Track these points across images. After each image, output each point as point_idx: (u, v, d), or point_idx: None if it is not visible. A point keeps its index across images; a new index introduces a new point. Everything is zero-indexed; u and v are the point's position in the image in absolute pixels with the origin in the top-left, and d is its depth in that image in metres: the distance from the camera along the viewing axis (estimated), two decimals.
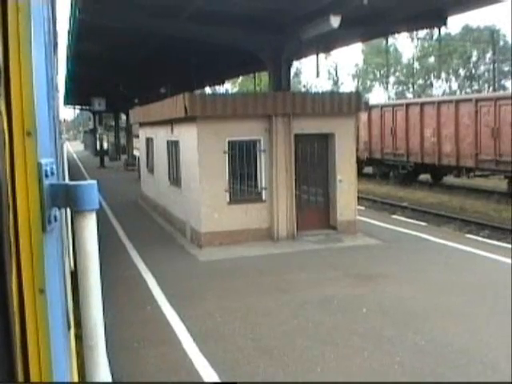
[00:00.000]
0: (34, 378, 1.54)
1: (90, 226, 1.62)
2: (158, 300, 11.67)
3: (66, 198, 1.62)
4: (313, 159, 17.76)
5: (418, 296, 11.46)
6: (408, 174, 34.29)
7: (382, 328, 9.76)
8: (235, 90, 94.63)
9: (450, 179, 33.46)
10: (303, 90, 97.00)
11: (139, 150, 30.42)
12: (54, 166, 1.77)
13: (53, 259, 1.74)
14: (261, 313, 10.82)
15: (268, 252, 15.65)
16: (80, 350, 2.12)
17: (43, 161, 1.60)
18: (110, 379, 1.70)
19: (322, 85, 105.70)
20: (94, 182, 1.64)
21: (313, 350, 8.96)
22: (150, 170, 24.84)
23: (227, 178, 16.64)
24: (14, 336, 1.49)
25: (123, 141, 58.51)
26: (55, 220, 1.72)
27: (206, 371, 8.25)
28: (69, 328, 2.59)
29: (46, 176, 1.61)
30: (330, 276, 13.07)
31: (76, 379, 2.84)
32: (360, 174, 24.25)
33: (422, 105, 33.25)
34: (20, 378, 1.51)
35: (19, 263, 1.50)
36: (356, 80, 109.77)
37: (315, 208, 17.86)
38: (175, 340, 9.55)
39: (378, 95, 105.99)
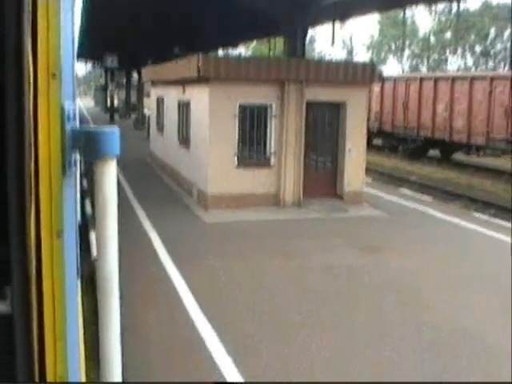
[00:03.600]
0: (47, 320, 1.56)
1: (110, 172, 1.62)
2: (162, 259, 11.73)
3: (87, 142, 1.62)
4: (323, 127, 17.71)
5: (418, 268, 11.51)
6: (417, 149, 34.13)
7: (380, 294, 9.82)
8: (248, 54, 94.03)
9: (459, 156, 33.31)
10: (317, 57, 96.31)
11: (150, 108, 30.34)
12: (76, 111, 1.78)
13: (70, 203, 1.75)
14: (262, 277, 10.88)
15: (273, 217, 15.68)
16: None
17: (66, 104, 1.62)
18: (119, 328, 1.71)
19: (336, 54, 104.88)
20: (116, 128, 1.64)
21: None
22: (160, 129, 24.80)
23: (236, 141, 16.60)
24: (30, 277, 1.51)
25: (134, 99, 58.34)
26: (75, 164, 1.74)
27: (205, 328, 8.32)
28: (78, 276, 2.61)
29: (68, 120, 1.63)
30: (334, 245, 13.09)
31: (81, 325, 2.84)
32: (369, 146, 24.10)
33: (437, 80, 32.98)
34: (35, 326, 1.53)
35: (38, 205, 1.52)
36: (370, 51, 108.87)
37: (323, 176, 17.84)
38: (177, 298, 9.62)
39: (391, 68, 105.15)
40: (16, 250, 1.48)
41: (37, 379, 1.55)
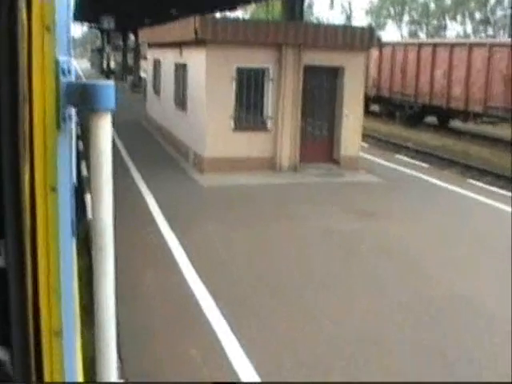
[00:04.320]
0: (41, 276, 1.57)
1: (105, 126, 1.61)
2: (158, 223, 11.76)
3: (82, 96, 1.60)
4: (321, 92, 17.64)
5: (412, 234, 11.58)
6: (414, 115, 34.05)
7: (374, 256, 9.90)
8: (246, 17, 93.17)
9: (456, 123, 33.26)
10: (315, 22, 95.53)
11: (146, 71, 30.14)
12: (71, 65, 1.76)
13: (65, 159, 1.75)
14: (258, 240, 10.94)
15: (269, 182, 15.70)
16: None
17: (61, 58, 1.60)
18: (113, 285, 1.72)
19: (335, 18, 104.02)
20: (112, 82, 1.63)
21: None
22: (157, 91, 24.67)
23: (233, 104, 16.55)
24: (24, 231, 1.51)
25: (130, 61, 57.92)
26: (69, 119, 1.74)
27: (201, 292, 8.39)
28: (73, 234, 2.62)
29: (63, 74, 1.61)
30: (330, 210, 13.14)
31: (76, 284, 2.86)
32: (366, 112, 24.05)
33: (435, 46, 32.77)
34: (29, 281, 1.53)
35: (32, 160, 1.51)
36: (369, 16, 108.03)
37: (319, 141, 17.83)
38: (173, 262, 9.68)
39: (390, 33, 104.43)
40: (10, 205, 1.48)
41: (31, 331, 1.55)
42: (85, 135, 11.78)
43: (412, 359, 6.80)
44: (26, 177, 1.48)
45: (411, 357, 6.85)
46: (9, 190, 1.48)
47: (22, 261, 1.51)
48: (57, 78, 1.56)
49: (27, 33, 1.44)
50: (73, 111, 1.80)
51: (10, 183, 1.48)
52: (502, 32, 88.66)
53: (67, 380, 1.69)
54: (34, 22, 1.46)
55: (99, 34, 62.71)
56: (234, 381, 6.22)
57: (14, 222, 1.49)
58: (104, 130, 1.61)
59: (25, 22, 1.43)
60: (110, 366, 1.73)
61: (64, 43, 1.75)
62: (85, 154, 15.71)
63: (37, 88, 1.49)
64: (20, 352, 1.56)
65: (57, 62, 1.56)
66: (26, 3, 1.42)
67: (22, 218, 1.49)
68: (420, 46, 34.14)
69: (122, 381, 5.75)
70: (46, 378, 1.61)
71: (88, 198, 12.69)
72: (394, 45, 36.64)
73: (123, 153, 18.82)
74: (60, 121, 1.60)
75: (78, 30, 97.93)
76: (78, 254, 2.78)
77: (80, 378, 2.11)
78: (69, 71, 1.67)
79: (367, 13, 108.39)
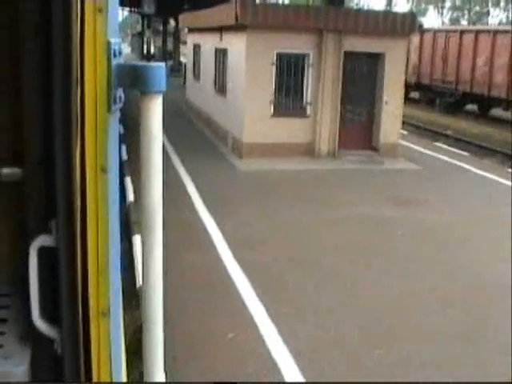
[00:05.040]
0: (91, 253, 1.60)
1: (156, 108, 1.61)
2: (196, 205, 11.86)
3: (133, 78, 1.61)
4: (361, 78, 17.53)
5: (452, 223, 11.51)
6: (455, 103, 33.55)
7: (412, 244, 9.90)
8: (287, 1, 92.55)
9: (497, 112, 32.74)
10: (355, 7, 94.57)
11: (186, 56, 30.17)
12: (121, 47, 1.77)
13: (114, 140, 1.75)
14: (295, 224, 10.99)
15: (308, 167, 15.70)
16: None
17: (112, 40, 1.61)
18: (161, 243, 1.73)
19: (375, 4, 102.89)
20: (163, 64, 1.62)
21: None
22: (196, 76, 24.72)
23: (273, 90, 16.54)
24: (75, 212, 1.54)
25: (170, 46, 57.98)
26: (120, 101, 1.73)
27: (236, 272, 8.48)
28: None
29: (115, 56, 1.61)
30: (369, 197, 13.10)
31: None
32: (406, 98, 23.78)
33: (477, 33, 32.20)
34: (78, 245, 1.57)
35: (83, 140, 1.53)
36: (410, 2, 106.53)
37: (358, 128, 17.73)
38: (209, 242, 9.78)
39: (431, 20, 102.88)
40: (61, 185, 1.51)
41: (80, 311, 1.58)
42: (126, 118, 11.84)
43: None
44: (77, 157, 1.50)
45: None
46: (60, 170, 1.51)
47: (72, 241, 1.54)
48: (108, 60, 1.57)
49: (80, 14, 1.46)
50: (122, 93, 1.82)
51: (61, 163, 1.50)
52: None
53: (113, 364, 1.71)
54: (87, 3, 1.48)
55: (139, 19, 62.89)
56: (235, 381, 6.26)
57: (65, 202, 1.52)
58: (155, 113, 1.62)
59: (78, 3, 1.45)
60: (157, 364, 1.73)
61: (115, 25, 1.76)
62: (125, 138, 15.86)
63: (89, 70, 1.51)
64: (69, 331, 1.59)
65: (108, 44, 1.57)
66: None
67: (73, 198, 1.52)
68: (461, 32, 33.58)
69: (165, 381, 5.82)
70: (94, 361, 1.64)
71: (128, 181, 12.85)
72: (435, 31, 36.13)
73: (163, 137, 18.90)
74: (111, 103, 1.61)
75: (119, 14, 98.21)
76: None
77: (124, 365, 2.12)
78: (120, 53, 1.66)
79: None
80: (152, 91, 1.59)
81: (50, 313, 1.62)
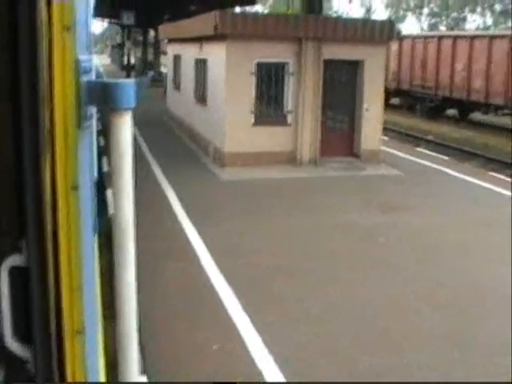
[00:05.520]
0: (63, 273, 1.58)
1: (125, 125, 1.62)
2: (178, 215, 11.84)
3: (103, 95, 1.61)
4: (341, 86, 17.61)
5: (435, 227, 11.56)
6: (435, 108, 33.82)
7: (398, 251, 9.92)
8: (266, 11, 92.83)
9: (477, 116, 33.01)
10: (334, 15, 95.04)
11: (166, 66, 30.16)
12: (91, 64, 1.76)
13: (86, 157, 1.76)
14: (279, 231, 10.98)
15: (290, 175, 15.71)
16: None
17: (81, 57, 1.61)
18: (135, 282, 1.73)
19: (354, 12, 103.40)
20: (132, 80, 1.63)
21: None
22: (177, 87, 24.72)
23: (253, 99, 16.56)
24: (45, 230, 1.53)
25: (151, 57, 57.97)
26: (90, 118, 1.74)
27: (220, 283, 8.46)
28: (94, 231, 2.63)
29: (84, 73, 1.61)
30: (351, 203, 13.13)
31: (98, 280, 2.89)
32: (387, 105, 23.93)
33: (455, 38, 32.50)
34: (51, 277, 1.55)
35: (53, 159, 1.51)
36: (389, 9, 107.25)
37: (340, 135, 17.80)
38: (193, 254, 9.75)
39: (410, 26, 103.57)
40: (31, 204, 1.49)
41: (53, 330, 1.56)
42: (106, 131, 11.79)
43: None
44: (48, 175, 1.49)
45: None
46: (30, 189, 1.49)
47: (43, 260, 1.52)
48: (77, 77, 1.57)
49: (47, 32, 1.45)
50: (94, 108, 1.82)
51: (31, 182, 1.48)
52: None
53: (89, 380, 1.69)
54: (54, 21, 1.47)
55: (119, 30, 62.75)
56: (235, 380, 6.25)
57: (35, 221, 1.50)
58: (124, 129, 1.62)
59: (45, 21, 1.43)
60: (132, 364, 1.75)
61: (84, 42, 1.74)
62: (106, 150, 15.80)
63: (57, 87, 1.50)
64: (42, 351, 1.57)
65: (77, 61, 1.57)
66: (45, 3, 1.43)
67: (44, 217, 1.50)
68: (440, 38, 33.88)
69: (144, 380, 5.78)
70: (69, 378, 1.61)
71: (109, 193, 12.80)
72: (413, 38, 36.45)
73: (144, 147, 18.89)
74: (81, 119, 1.61)
75: (99, 25, 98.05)
76: (101, 249, 2.80)
77: (103, 378, 2.09)
78: (89, 70, 1.68)
79: (387, 6, 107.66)
80: (121, 108, 1.60)
81: (23, 333, 1.60)
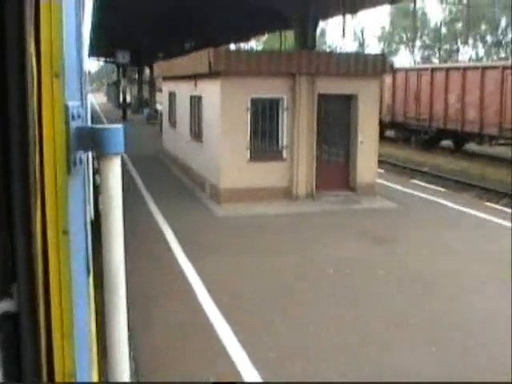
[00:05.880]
0: (55, 319, 1.58)
1: (114, 170, 1.64)
2: (174, 252, 11.82)
3: (91, 140, 1.63)
4: (335, 120, 17.73)
5: (432, 260, 11.53)
6: (430, 140, 34.01)
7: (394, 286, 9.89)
8: (260, 47, 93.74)
9: (472, 146, 33.16)
10: (328, 50, 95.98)
11: (162, 104, 30.36)
12: (81, 109, 1.79)
13: (77, 202, 1.77)
14: (275, 268, 10.95)
15: (287, 211, 15.72)
16: (98, 296, 2.18)
17: (70, 103, 1.62)
18: (126, 324, 1.74)
19: (348, 46, 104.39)
20: (120, 125, 1.64)
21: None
22: (172, 124, 24.85)
23: (248, 135, 16.64)
24: (37, 276, 1.53)
25: (146, 94, 58.40)
26: (80, 163, 1.75)
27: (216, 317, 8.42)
28: (89, 273, 2.62)
29: (73, 118, 1.63)
30: (348, 237, 13.13)
31: (93, 323, 2.88)
32: (382, 137, 24.07)
33: (448, 70, 32.81)
34: (42, 326, 1.55)
35: (44, 204, 1.51)
36: (382, 42, 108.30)
37: (335, 168, 17.85)
38: (189, 290, 9.71)
39: (403, 59, 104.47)
40: (22, 248, 1.48)
41: (45, 379, 1.54)
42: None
43: None
44: (38, 220, 1.48)
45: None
46: (20, 234, 1.48)
47: (34, 305, 1.50)
48: (66, 124, 1.58)
49: (37, 79, 1.46)
50: (84, 152, 1.84)
51: (21, 227, 1.48)
52: None
53: None
54: (43, 68, 1.48)
55: (115, 68, 63.30)
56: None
57: (25, 266, 1.49)
58: (114, 173, 1.64)
59: (34, 68, 1.44)
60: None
61: (73, 88, 1.77)
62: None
63: (47, 134, 1.51)
64: None
65: (66, 108, 1.58)
66: (35, 50, 1.45)
67: (34, 262, 1.49)
68: (433, 70, 34.20)
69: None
70: None
71: None
72: (406, 70, 36.77)
73: (140, 185, 18.95)
74: (70, 165, 1.62)
75: (95, 64, 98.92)
76: (97, 290, 2.80)
77: None
78: (79, 116, 1.69)
79: (380, 39, 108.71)
80: (110, 153, 1.62)
81: (14, 380, 1.59)
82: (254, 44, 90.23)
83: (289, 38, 40.98)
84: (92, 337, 1.95)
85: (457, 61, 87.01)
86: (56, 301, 1.58)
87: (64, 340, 1.60)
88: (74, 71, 1.80)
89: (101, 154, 1.62)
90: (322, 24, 77.47)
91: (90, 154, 1.81)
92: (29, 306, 1.53)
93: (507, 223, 14.42)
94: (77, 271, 1.68)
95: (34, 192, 1.49)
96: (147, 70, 55.72)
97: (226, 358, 7.38)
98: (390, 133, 38.00)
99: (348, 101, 17.52)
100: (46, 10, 1.51)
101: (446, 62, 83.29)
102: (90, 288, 2.92)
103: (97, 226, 1.73)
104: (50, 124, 1.53)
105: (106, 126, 1.62)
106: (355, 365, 7.25)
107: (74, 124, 1.63)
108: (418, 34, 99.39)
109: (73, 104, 1.65)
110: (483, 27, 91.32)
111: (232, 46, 49.53)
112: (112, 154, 1.63)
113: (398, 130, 37.62)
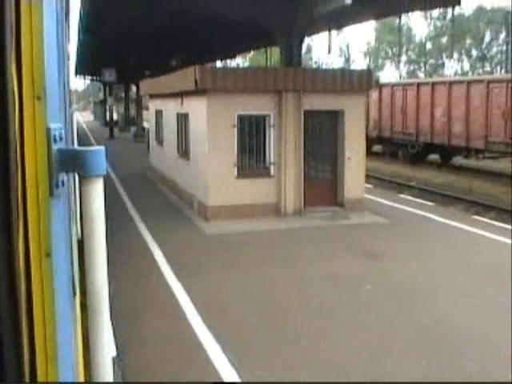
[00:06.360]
0: (38, 340, 1.56)
1: (96, 192, 1.64)
2: (162, 270, 11.78)
3: (73, 162, 1.64)
4: (322, 136, 17.78)
5: (421, 274, 11.52)
6: (417, 154, 34.16)
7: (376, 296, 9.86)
8: (246, 64, 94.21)
9: (459, 160, 33.34)
10: (314, 66, 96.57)
11: (149, 121, 30.40)
12: (63, 132, 1.77)
13: (60, 224, 1.76)
14: (263, 285, 10.91)
15: (275, 227, 15.69)
16: (84, 317, 2.15)
17: (52, 126, 1.61)
18: (112, 344, 1.72)
19: (333, 62, 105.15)
20: (102, 147, 1.64)
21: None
22: (159, 142, 24.85)
23: (235, 152, 16.65)
24: (19, 298, 1.51)
25: (133, 112, 58.47)
26: (62, 185, 1.74)
27: (211, 343, 8.36)
28: (74, 294, 2.59)
29: (55, 141, 1.62)
30: (336, 253, 13.11)
31: (80, 344, 2.85)
32: (369, 152, 24.17)
33: (434, 84, 33.02)
34: (25, 345, 1.52)
35: (26, 227, 1.50)
36: (367, 58, 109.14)
37: (323, 184, 17.88)
38: (179, 310, 9.65)
39: (389, 74, 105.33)
40: (4, 270, 1.45)
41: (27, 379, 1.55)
42: None
43: None
44: (20, 243, 1.47)
45: None
46: (2, 257, 1.45)
47: (17, 329, 1.48)
48: (48, 146, 1.58)
49: (18, 103, 1.45)
50: (66, 174, 1.83)
51: (3, 249, 1.48)
52: (499, 67, 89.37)
53: None
54: (25, 91, 1.47)
55: (101, 87, 63.40)
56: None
57: (7, 289, 1.48)
58: (96, 195, 1.64)
59: (15, 91, 1.43)
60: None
61: (56, 110, 1.77)
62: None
63: (29, 157, 1.50)
64: None
65: (48, 130, 1.58)
66: (16, 73, 1.43)
67: (16, 284, 1.47)
68: (419, 85, 34.40)
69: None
70: None
71: None
72: (392, 85, 36.97)
73: (128, 204, 18.89)
74: (53, 187, 1.61)
75: (81, 83, 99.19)
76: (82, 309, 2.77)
77: None
78: (61, 138, 1.68)
79: (365, 55, 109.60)
80: (92, 175, 1.62)
81: None
82: (240, 61, 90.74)
83: (274, 54, 41.21)
84: (77, 358, 1.92)
85: (442, 75, 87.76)
86: (39, 324, 1.56)
87: (48, 363, 1.58)
88: (56, 93, 1.79)
89: (83, 176, 1.63)
90: (307, 40, 78.09)
91: (76, 175, 1.81)
92: (11, 330, 1.51)
93: (494, 236, 14.46)
94: (59, 293, 1.66)
95: (16, 215, 1.48)
96: (134, 88, 55.78)
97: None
98: (377, 148, 38.15)
99: (334, 116, 17.57)
100: (27, 31, 1.50)
101: (431, 76, 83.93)
102: (75, 309, 2.89)
103: (83, 247, 1.72)
104: (31, 147, 1.52)
105: (88, 148, 1.62)
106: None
107: (55, 146, 1.62)
108: (404, 49, 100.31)
109: (55, 126, 1.64)
110: (468, 41, 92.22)
111: (218, 63, 49.71)
112: (94, 176, 1.63)
113: (385, 145, 37.78)
